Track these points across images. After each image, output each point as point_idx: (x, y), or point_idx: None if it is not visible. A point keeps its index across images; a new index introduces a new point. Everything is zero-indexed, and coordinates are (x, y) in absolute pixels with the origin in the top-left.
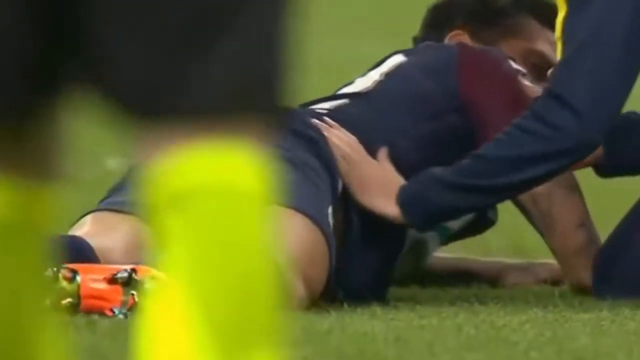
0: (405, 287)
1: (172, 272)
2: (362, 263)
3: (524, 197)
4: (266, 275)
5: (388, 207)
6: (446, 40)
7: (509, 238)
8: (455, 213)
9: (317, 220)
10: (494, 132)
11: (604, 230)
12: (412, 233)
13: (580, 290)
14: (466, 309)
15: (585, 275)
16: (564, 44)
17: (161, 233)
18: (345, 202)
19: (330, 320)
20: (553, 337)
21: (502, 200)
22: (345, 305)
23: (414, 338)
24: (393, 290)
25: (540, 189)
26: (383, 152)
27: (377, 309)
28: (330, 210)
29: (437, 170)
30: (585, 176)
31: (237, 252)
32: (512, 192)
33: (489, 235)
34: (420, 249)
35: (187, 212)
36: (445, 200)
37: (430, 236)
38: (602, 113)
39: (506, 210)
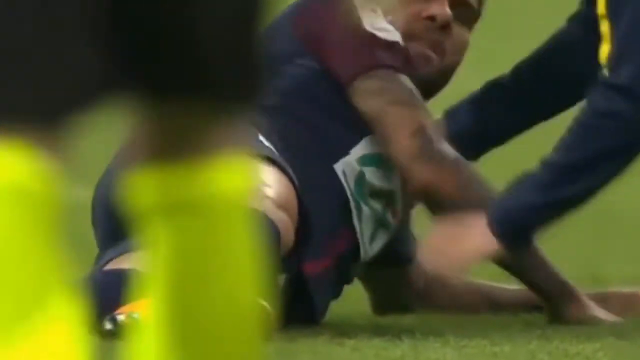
0: (476, 314)
1: (155, 282)
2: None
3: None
4: (249, 308)
5: (487, 246)
6: None
7: (586, 268)
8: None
9: (263, 152)
10: (347, 77)
11: None
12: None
13: (420, 193)
14: (539, 336)
15: (426, 179)
16: (613, 25)
17: (153, 238)
18: None
19: (403, 348)
20: None
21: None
22: (418, 333)
23: None
24: (464, 318)
25: (373, 108)
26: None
27: (450, 338)
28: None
29: (524, 195)
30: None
31: (221, 270)
32: (593, 192)
33: (565, 265)
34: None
35: (177, 223)
36: (544, 219)
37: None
38: None
39: (584, 241)
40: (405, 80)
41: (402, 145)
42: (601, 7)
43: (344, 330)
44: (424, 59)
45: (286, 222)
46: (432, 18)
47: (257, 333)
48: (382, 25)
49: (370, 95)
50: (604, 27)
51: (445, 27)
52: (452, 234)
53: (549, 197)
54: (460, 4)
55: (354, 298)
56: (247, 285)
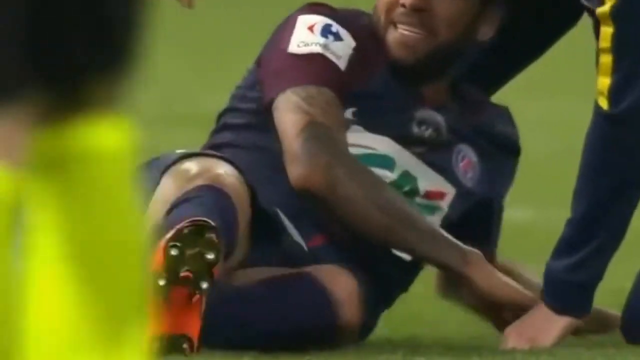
0: None
1: (49, 232)
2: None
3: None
4: (136, 243)
5: (561, 326)
6: None
7: None
8: (602, 270)
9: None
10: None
11: None
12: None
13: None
14: (602, 355)
15: (296, 180)
16: (617, 59)
17: (38, 195)
18: None
19: None
20: None
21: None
22: (485, 350)
23: None
24: None
25: (274, 122)
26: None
27: (517, 355)
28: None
29: (563, 264)
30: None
31: (110, 216)
32: (625, 222)
33: None
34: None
35: (62, 175)
36: (590, 278)
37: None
38: None
39: None
40: (311, 89)
41: (285, 149)
42: (605, 41)
43: (415, 348)
44: (403, 46)
45: (237, 188)
46: (404, 5)
47: (143, 268)
48: (309, 39)
49: (273, 113)
50: (606, 60)
51: (418, 10)
52: (532, 324)
53: (582, 253)
54: None
55: (426, 320)
56: (131, 226)
